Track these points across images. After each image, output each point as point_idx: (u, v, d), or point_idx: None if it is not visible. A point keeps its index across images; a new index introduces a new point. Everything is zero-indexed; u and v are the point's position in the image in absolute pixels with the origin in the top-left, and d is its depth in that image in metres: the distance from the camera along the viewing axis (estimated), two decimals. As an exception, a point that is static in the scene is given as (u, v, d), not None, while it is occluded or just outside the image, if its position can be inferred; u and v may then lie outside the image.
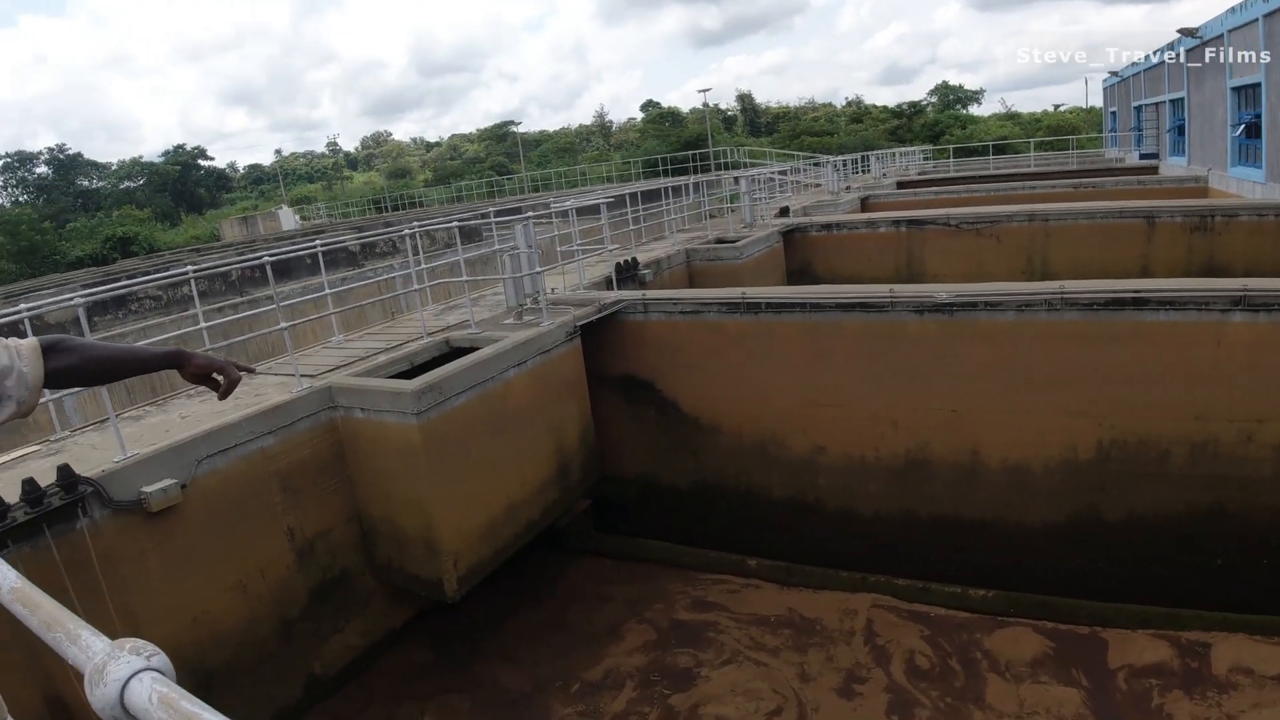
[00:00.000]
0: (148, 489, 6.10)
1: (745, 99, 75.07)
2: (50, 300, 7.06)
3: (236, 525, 6.80)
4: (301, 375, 7.55)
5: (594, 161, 53.38)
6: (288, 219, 42.95)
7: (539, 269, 9.58)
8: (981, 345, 8.47)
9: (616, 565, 10.12)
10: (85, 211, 56.25)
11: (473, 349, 8.67)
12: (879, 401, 9.07)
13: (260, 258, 7.76)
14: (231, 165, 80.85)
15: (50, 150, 61.50)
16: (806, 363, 9.32)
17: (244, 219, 45.08)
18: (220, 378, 2.16)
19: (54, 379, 1.82)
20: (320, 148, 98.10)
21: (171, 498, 6.20)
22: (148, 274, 18.90)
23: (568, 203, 11.92)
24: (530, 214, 9.91)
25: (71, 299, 6.52)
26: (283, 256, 8.79)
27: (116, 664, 1.02)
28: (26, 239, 43.36)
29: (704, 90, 52.21)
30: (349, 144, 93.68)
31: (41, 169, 61.21)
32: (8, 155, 60.96)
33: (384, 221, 28.45)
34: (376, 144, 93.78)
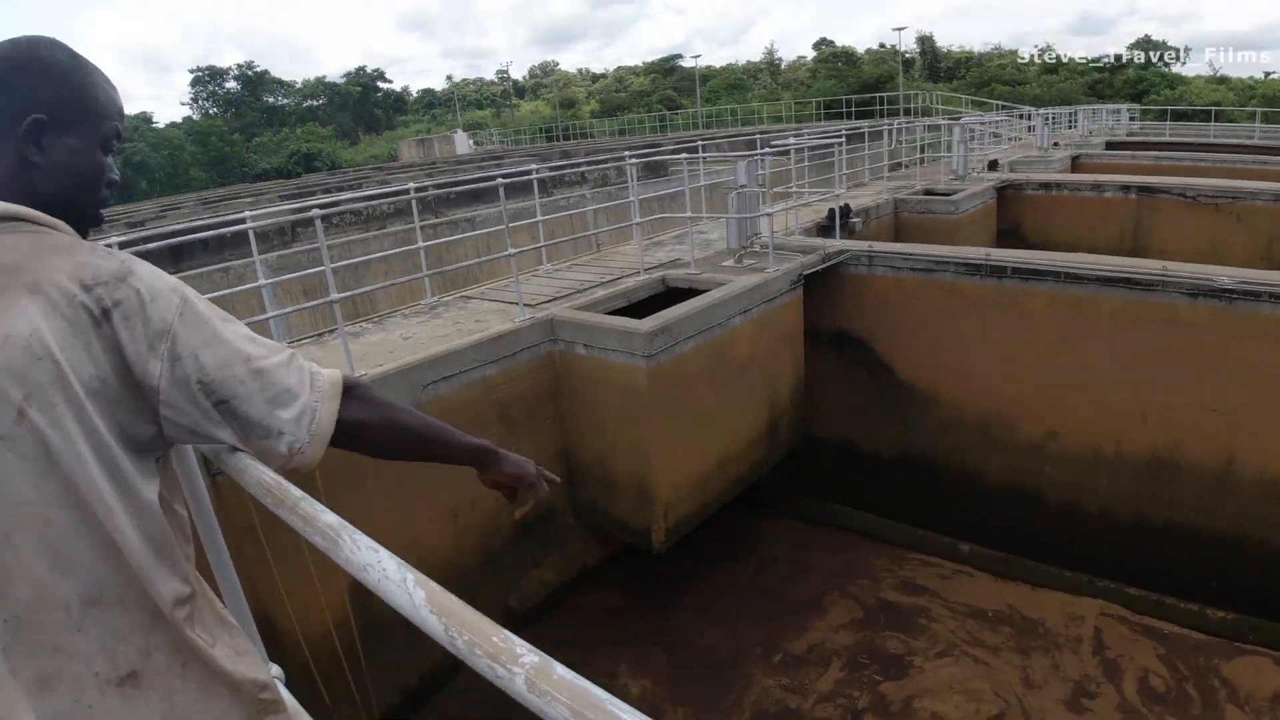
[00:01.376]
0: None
1: (925, 41, 70.95)
2: (284, 208, 6.91)
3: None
4: (524, 305, 7.20)
5: (764, 100, 51.66)
6: (462, 143, 43.69)
7: (766, 210, 8.91)
8: (1258, 341, 7.29)
9: (816, 531, 9.56)
10: (271, 127, 58.86)
11: (691, 290, 8.15)
12: (1129, 390, 8.02)
13: (494, 179, 7.41)
14: (405, 89, 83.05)
15: (239, 66, 64.46)
16: (1052, 339, 8.32)
17: (420, 141, 46.11)
18: (528, 493, 1.67)
19: (342, 433, 1.37)
20: (489, 75, 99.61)
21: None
22: (342, 189, 19.27)
23: (789, 140, 11.12)
24: (764, 149, 9.20)
25: (310, 207, 6.31)
26: (518, 180, 8.45)
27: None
28: (216, 149, 45.88)
29: (899, 29, 49.10)
30: (517, 73, 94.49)
31: (231, 84, 64.27)
32: (199, 69, 64.31)
33: (560, 152, 28.28)
34: (544, 73, 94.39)
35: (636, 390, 6.80)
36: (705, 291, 7.86)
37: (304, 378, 1.33)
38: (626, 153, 9.55)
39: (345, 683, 6.20)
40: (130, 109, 60.18)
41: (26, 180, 1.23)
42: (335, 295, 5.81)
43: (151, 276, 1.23)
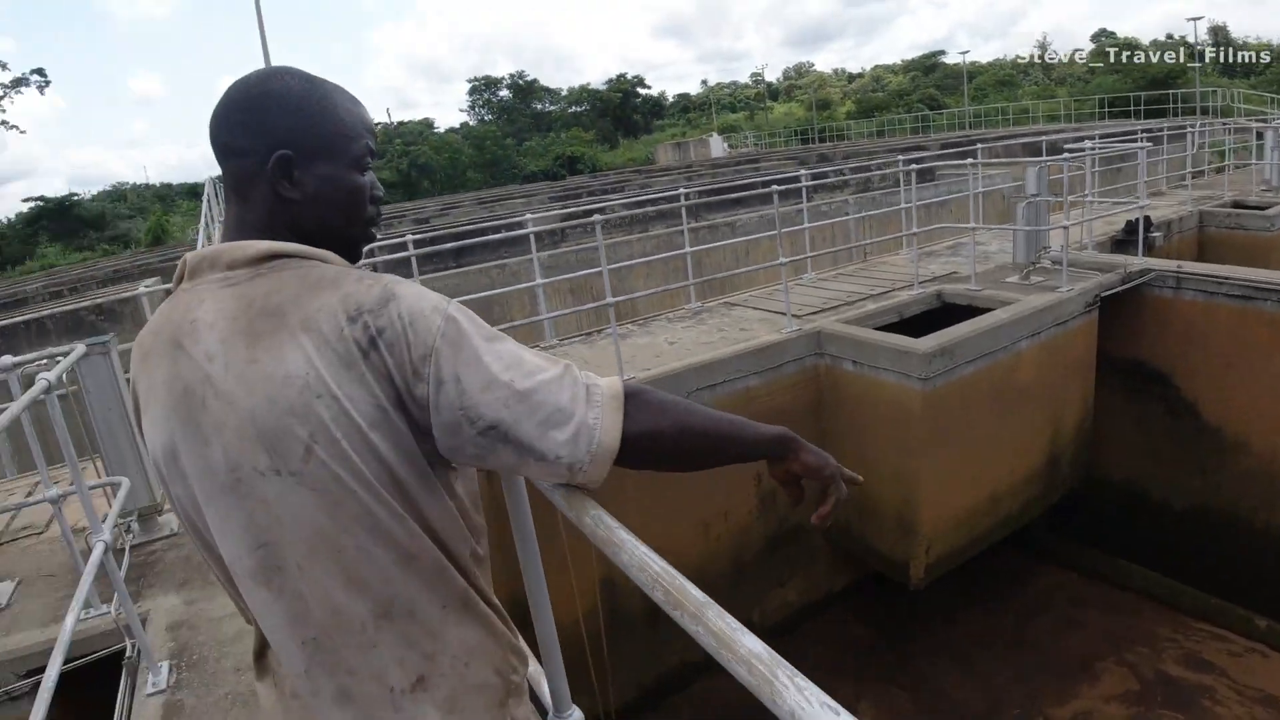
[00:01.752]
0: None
1: (1218, 32, 62.84)
2: (555, 211, 7.10)
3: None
4: (792, 315, 6.96)
5: (1037, 98, 47.98)
6: (717, 146, 44.10)
7: (1062, 221, 8.11)
8: None
9: (1090, 585, 8.59)
10: (538, 131, 62.29)
11: (970, 308, 7.56)
12: None
13: (765, 183, 7.23)
14: (661, 94, 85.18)
15: (511, 76, 68.93)
16: None
17: (677, 144, 47.03)
18: (831, 489, 1.37)
19: (629, 448, 1.19)
20: (743, 78, 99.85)
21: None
22: (606, 191, 19.90)
23: (1084, 144, 10.11)
24: (1059, 154, 8.39)
25: (582, 210, 6.41)
26: (824, 182, 8.25)
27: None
28: (490, 153, 49.22)
29: (1194, 19, 43.73)
30: (771, 75, 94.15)
31: (503, 92, 68.83)
32: (477, 79, 69.42)
33: (817, 155, 27.74)
34: (798, 75, 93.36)
35: (908, 414, 6.37)
36: (986, 310, 7.26)
37: (578, 392, 1.18)
38: (900, 158, 9.05)
39: (586, 674, 6.26)
40: (414, 115, 66.03)
41: (288, 215, 1.23)
42: (611, 299, 5.86)
43: (413, 299, 1.16)
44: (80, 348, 3.28)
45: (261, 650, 1.32)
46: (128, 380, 1.38)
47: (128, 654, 3.42)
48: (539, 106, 70.06)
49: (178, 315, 1.17)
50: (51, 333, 12.10)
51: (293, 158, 1.19)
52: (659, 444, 1.22)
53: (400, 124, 61.49)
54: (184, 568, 4.22)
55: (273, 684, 1.31)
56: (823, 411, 7.06)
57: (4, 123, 41.21)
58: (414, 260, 6.48)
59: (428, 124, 61.35)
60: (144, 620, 3.77)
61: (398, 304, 1.13)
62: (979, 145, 15.75)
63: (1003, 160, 12.09)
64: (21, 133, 48.25)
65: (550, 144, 54.31)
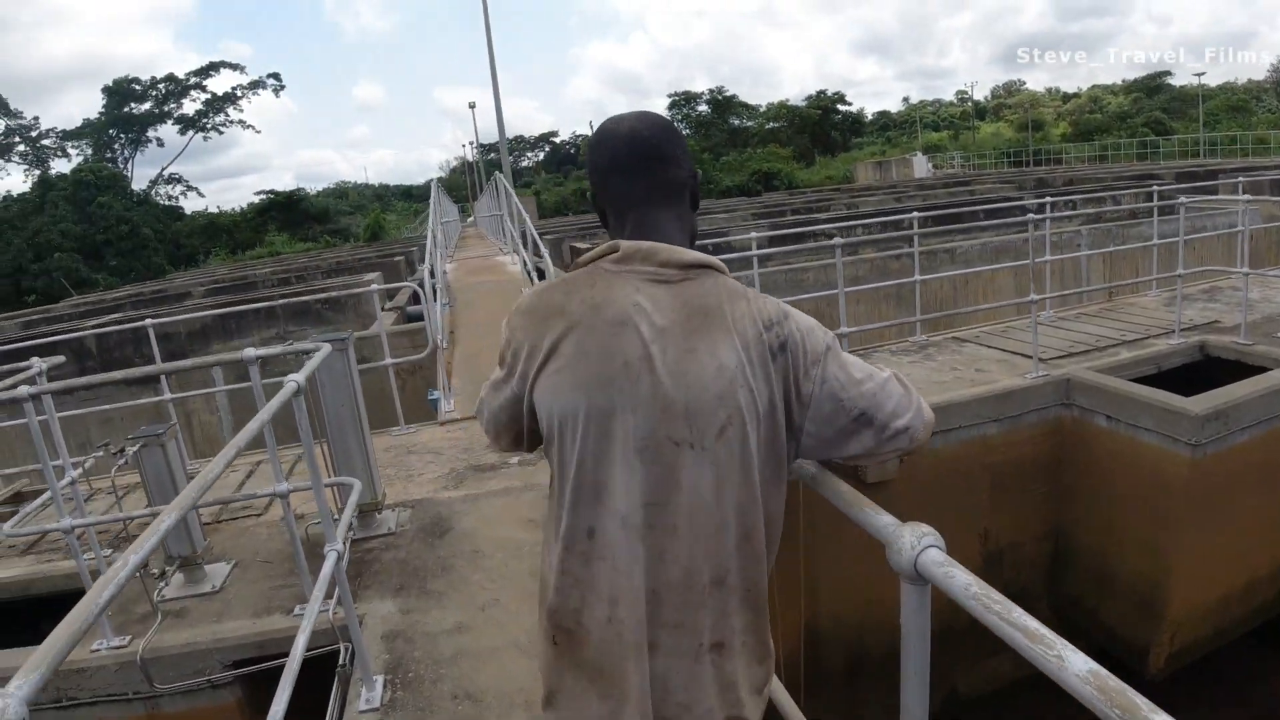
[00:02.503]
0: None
1: None
2: (801, 229, 6.74)
3: (933, 514, 5.90)
4: (1040, 359, 6.30)
5: (1273, 126, 43.27)
6: (921, 166, 42.47)
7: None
8: None
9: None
10: (734, 147, 62.28)
11: (1239, 364, 6.61)
12: None
13: (1018, 200, 6.59)
14: (860, 111, 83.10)
15: (710, 91, 69.25)
16: None
17: (878, 163, 45.72)
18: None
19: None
20: (947, 96, 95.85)
21: (888, 471, 5.49)
22: (810, 209, 19.39)
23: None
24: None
25: (835, 224, 6.02)
26: (1001, 207, 7.54)
27: (914, 536, 1.25)
28: (700, 166, 49.59)
29: None
30: (978, 93, 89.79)
31: (702, 107, 69.31)
32: (676, 94, 70.24)
33: (1035, 179, 26.00)
34: (1008, 93, 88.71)
35: (1170, 481, 5.59)
36: (1260, 369, 6.31)
37: (906, 388, 1.50)
38: (1155, 185, 8.12)
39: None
40: (618, 130, 67.57)
41: (691, 224, 1.52)
42: (845, 328, 5.46)
43: (800, 318, 1.45)
44: (326, 348, 3.24)
45: (559, 608, 1.44)
46: (505, 336, 1.49)
47: (341, 661, 3.36)
48: (736, 122, 70.12)
49: (616, 295, 1.36)
50: (280, 318, 13.00)
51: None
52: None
53: (600, 137, 63.18)
54: (400, 572, 4.17)
55: (569, 638, 1.44)
56: (1065, 468, 6.34)
57: (241, 121, 45.39)
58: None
59: (629, 136, 62.73)
60: (359, 624, 3.73)
61: (794, 321, 1.42)
62: (1221, 179, 14.15)
63: (1270, 199, 10.72)
64: (257, 132, 53.01)
65: (747, 159, 54.14)
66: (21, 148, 41.59)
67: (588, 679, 1.44)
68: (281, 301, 11.38)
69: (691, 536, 1.36)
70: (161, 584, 4.15)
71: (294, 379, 2.64)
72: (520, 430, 1.54)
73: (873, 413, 1.44)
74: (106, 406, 7.88)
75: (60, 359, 4.62)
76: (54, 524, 3.74)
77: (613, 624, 1.40)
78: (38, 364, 4.32)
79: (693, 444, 1.33)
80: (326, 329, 13.04)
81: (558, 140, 57.40)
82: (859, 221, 13.69)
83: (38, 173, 40.82)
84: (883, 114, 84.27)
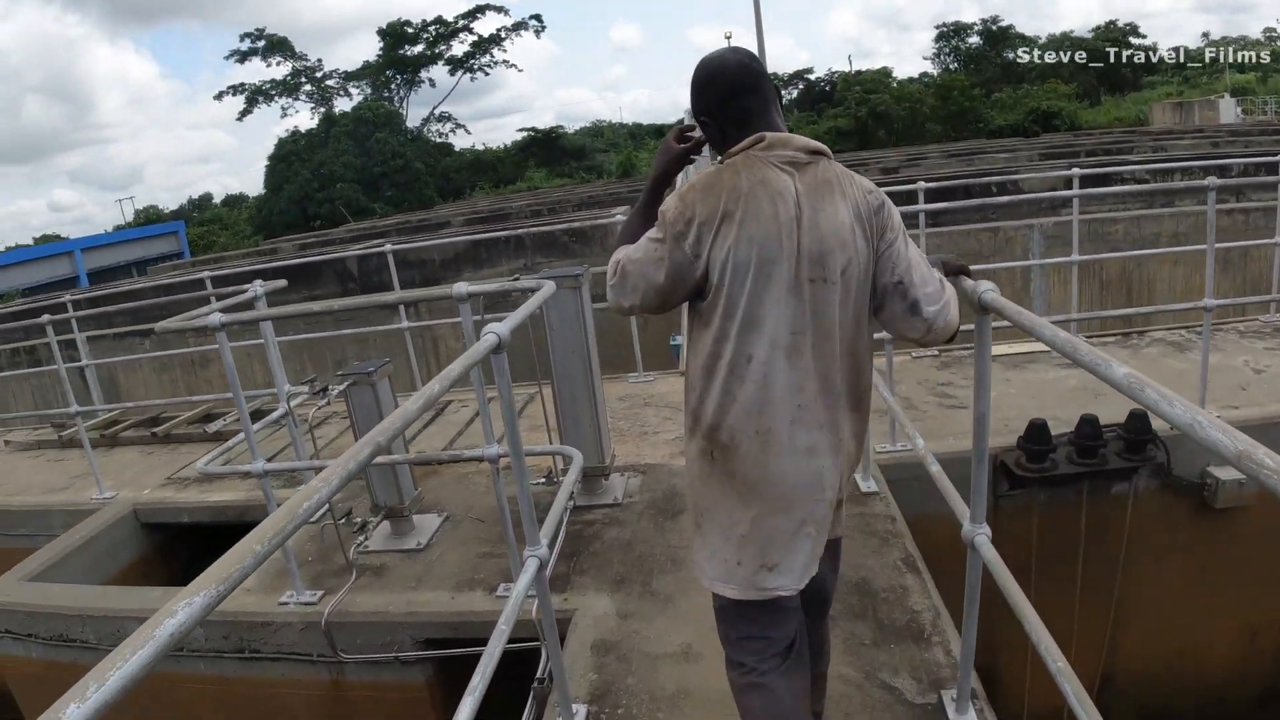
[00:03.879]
0: (1220, 474, 4.13)
1: None
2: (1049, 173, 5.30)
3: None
4: None
5: None
6: (1228, 110, 36.14)
7: None
8: None
9: None
10: (1008, 83, 56.80)
11: None
12: None
13: None
14: (1153, 46, 73.08)
15: (983, 22, 63.07)
16: None
17: (1178, 105, 39.80)
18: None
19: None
20: (1252, 32, 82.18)
21: (1243, 495, 4.14)
22: (1109, 151, 16.82)
23: None
24: None
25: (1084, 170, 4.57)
26: None
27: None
28: (956, 104, 45.58)
29: None
30: (1290, 29, 75.99)
31: (973, 39, 63.44)
32: (944, 25, 64.57)
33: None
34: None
35: None
36: None
37: (945, 290, 1.81)
38: None
39: None
40: (872, 64, 63.71)
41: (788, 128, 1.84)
42: (1212, 299, 4.12)
43: (888, 196, 1.84)
44: (549, 286, 2.50)
45: (717, 427, 1.78)
46: (679, 209, 1.75)
47: (540, 673, 2.67)
48: (1011, 56, 63.83)
49: (770, 174, 1.73)
50: (528, 248, 12.82)
51: None
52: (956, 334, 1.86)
53: (858, 73, 59.78)
54: (622, 557, 3.45)
55: (724, 452, 1.79)
56: None
57: (505, 62, 46.77)
58: (922, 216, 5.17)
59: (885, 73, 58.83)
60: (567, 621, 3.04)
61: (883, 194, 1.83)
62: None
63: None
64: (519, 71, 54.47)
65: (1023, 97, 49.12)
66: (308, 88, 45.18)
67: (736, 490, 1.80)
68: (529, 231, 11.12)
69: (828, 354, 1.75)
70: (360, 538, 3.67)
71: (495, 331, 1.91)
72: (675, 289, 1.79)
73: (908, 287, 1.78)
74: (334, 333, 7.84)
75: (282, 282, 4.27)
76: (247, 465, 3.32)
77: (759, 435, 1.76)
78: (256, 287, 3.95)
79: (826, 280, 1.72)
80: (571, 261, 12.75)
81: (812, 77, 54.78)
82: (1177, 164, 11.49)
83: (322, 110, 44.26)
84: (1179, 50, 73.70)
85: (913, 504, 3.99)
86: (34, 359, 11.70)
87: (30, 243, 46.80)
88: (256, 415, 4.26)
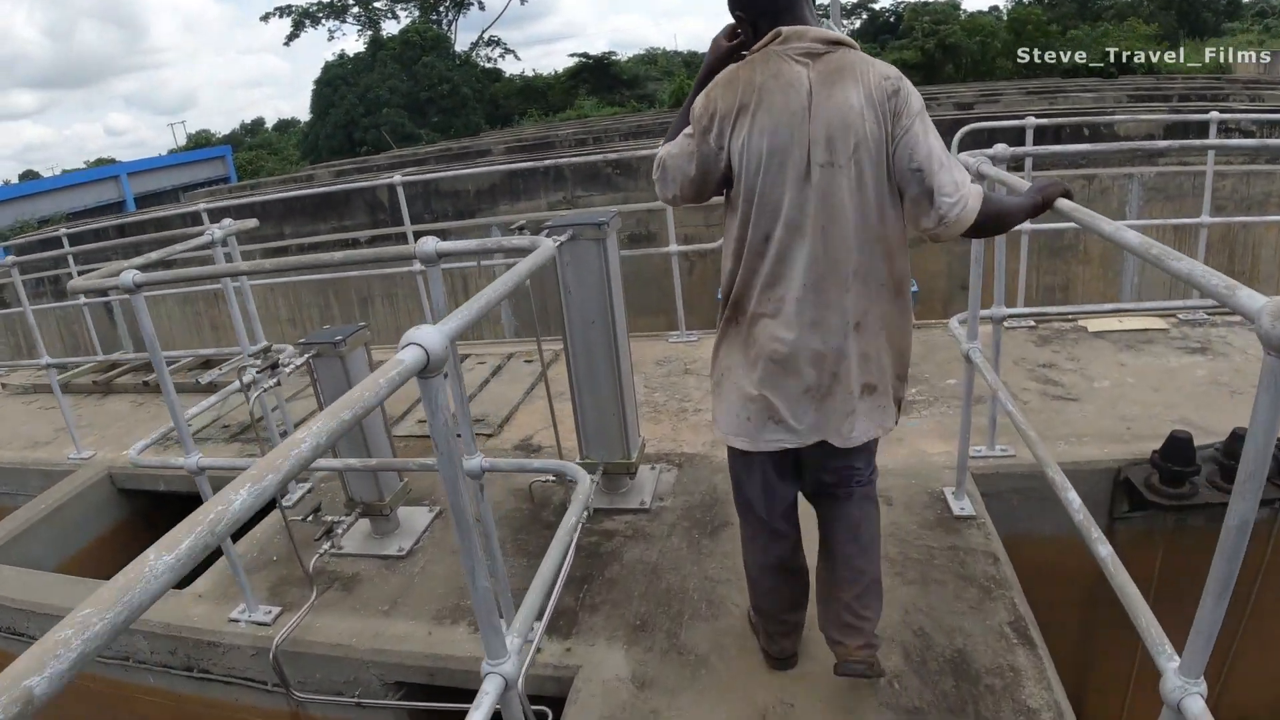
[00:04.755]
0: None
1: None
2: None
3: None
4: None
5: None
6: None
7: None
8: None
9: None
10: (1085, 20, 53.70)
11: None
12: None
13: None
14: (1244, -10, 68.43)
15: (1061, -49, 59.50)
16: None
17: (1271, 54, 37.00)
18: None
19: (970, 230, 1.84)
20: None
21: None
22: (1204, 97, 15.39)
23: None
24: None
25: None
26: None
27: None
28: (1030, 39, 43.13)
29: None
30: None
31: (1048, -29, 59.91)
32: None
33: None
34: None
35: None
36: None
37: (965, 180, 1.80)
38: None
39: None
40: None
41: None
42: None
43: (908, 81, 1.84)
44: (544, 246, 1.76)
45: (742, 302, 1.96)
46: (703, 105, 1.91)
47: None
48: (1102, -11, 60.21)
49: (785, 67, 1.81)
50: (568, 180, 11.97)
51: None
52: (980, 230, 1.86)
53: (925, 3, 56.82)
54: (646, 588, 2.73)
55: (747, 320, 1.96)
56: None
57: (558, -13, 45.07)
58: (1030, 160, 4.28)
59: (954, 4, 55.83)
60: (568, 682, 2.34)
61: (904, 81, 1.83)
62: None
63: None
64: (574, -3, 52.42)
65: (1101, 35, 46.34)
66: (355, 9, 43.82)
67: (750, 355, 1.97)
68: (570, 162, 10.27)
69: (839, 235, 1.83)
70: (326, 545, 2.99)
71: (419, 341, 1.16)
72: (705, 180, 1.96)
73: (925, 174, 1.79)
74: (359, 273, 7.15)
75: (251, 223, 3.54)
76: (179, 460, 2.65)
77: (773, 307, 1.91)
78: (214, 231, 3.22)
79: (835, 164, 1.78)
80: (612, 197, 11.89)
81: (877, 7, 52.24)
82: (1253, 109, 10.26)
83: (369, 34, 43.07)
84: (1261, -1, 68.75)
85: (1009, 522, 3.23)
86: (58, 291, 11.28)
87: (83, 166, 46.86)
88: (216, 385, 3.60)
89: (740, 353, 1.99)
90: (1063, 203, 1.83)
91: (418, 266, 5.49)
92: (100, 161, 48.50)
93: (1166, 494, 3.14)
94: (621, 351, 3.04)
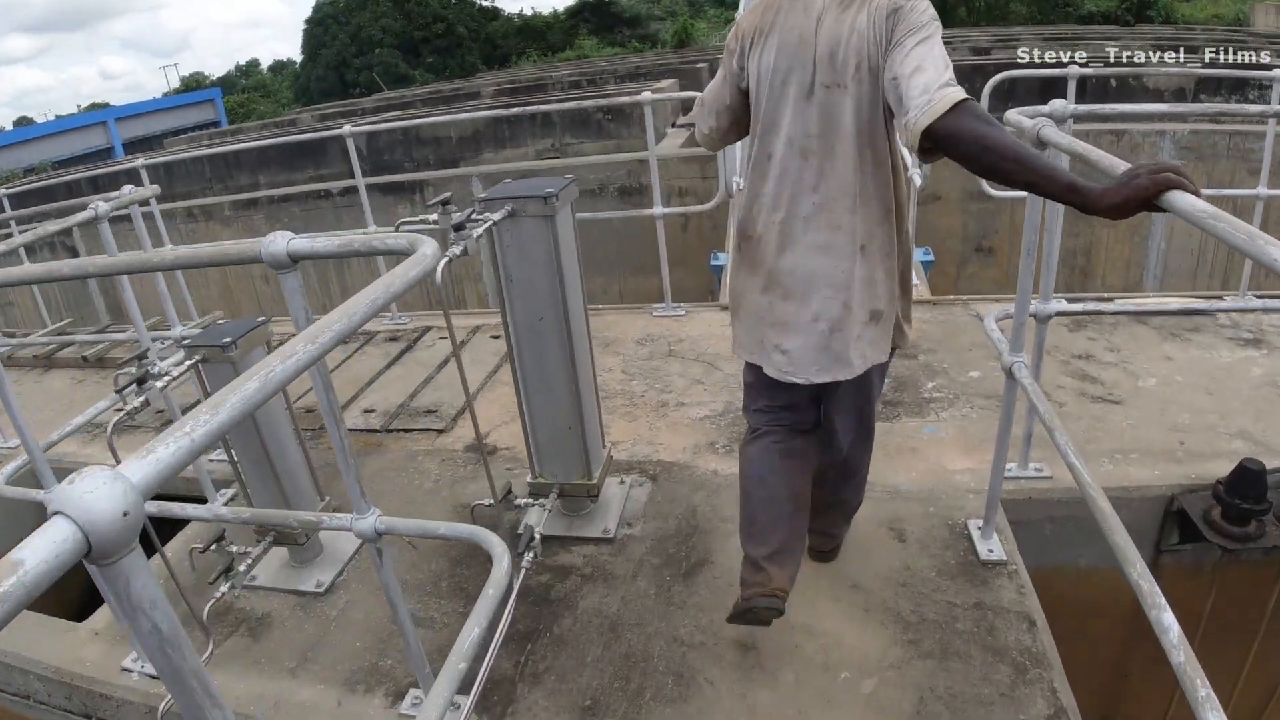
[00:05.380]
0: None
1: None
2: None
3: None
4: None
5: None
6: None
7: None
8: None
9: None
10: (1103, -39, 51.94)
11: None
12: None
13: None
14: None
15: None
16: None
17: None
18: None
19: (933, 137, 1.59)
20: None
21: None
22: (1245, 44, 14.59)
23: None
24: None
25: None
26: None
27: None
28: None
29: None
30: None
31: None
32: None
33: None
34: None
35: None
36: None
37: (937, 82, 1.61)
38: None
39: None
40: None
41: None
42: None
43: (924, 4, 1.74)
44: (422, 252, 1.20)
45: (751, 223, 1.95)
46: (733, 32, 1.95)
47: None
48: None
49: None
50: (557, 126, 11.29)
51: None
52: (957, 145, 1.57)
53: (941, -57, 54.93)
54: (603, 651, 2.23)
55: (748, 241, 1.98)
56: None
57: (557, -79, 43.45)
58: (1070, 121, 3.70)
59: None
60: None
61: (910, 1, 1.73)
62: None
63: None
64: (575, -74, 50.64)
65: (1119, -22, 44.81)
66: (347, -57, 42.48)
67: (759, 278, 1.97)
68: (558, 108, 9.60)
69: (843, 156, 1.81)
70: (224, 587, 2.47)
71: (68, 515, 0.60)
72: (738, 107, 1.99)
73: (899, 80, 1.68)
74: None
75: (150, 190, 2.97)
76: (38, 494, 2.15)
77: (778, 228, 1.90)
78: (99, 204, 2.67)
79: (838, 84, 1.77)
80: (606, 144, 11.22)
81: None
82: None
83: (360, -32, 41.70)
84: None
85: (1040, 553, 2.74)
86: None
87: (77, 111, 45.59)
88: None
89: (749, 276, 2.00)
90: (1180, 199, 1.22)
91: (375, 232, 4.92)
92: (94, 107, 47.30)
93: (1229, 533, 2.62)
94: (579, 352, 2.49)
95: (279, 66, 56.16)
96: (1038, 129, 1.78)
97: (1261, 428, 3.04)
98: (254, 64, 61.05)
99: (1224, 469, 2.79)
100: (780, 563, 2.00)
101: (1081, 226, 7.97)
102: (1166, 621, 1.30)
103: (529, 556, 2.38)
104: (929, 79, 1.61)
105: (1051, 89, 9.54)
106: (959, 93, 1.58)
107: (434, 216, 2.14)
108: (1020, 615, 2.23)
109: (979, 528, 2.54)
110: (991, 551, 2.45)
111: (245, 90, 45.55)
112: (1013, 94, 4.15)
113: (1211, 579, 2.97)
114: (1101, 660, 3.18)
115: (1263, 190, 4.02)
